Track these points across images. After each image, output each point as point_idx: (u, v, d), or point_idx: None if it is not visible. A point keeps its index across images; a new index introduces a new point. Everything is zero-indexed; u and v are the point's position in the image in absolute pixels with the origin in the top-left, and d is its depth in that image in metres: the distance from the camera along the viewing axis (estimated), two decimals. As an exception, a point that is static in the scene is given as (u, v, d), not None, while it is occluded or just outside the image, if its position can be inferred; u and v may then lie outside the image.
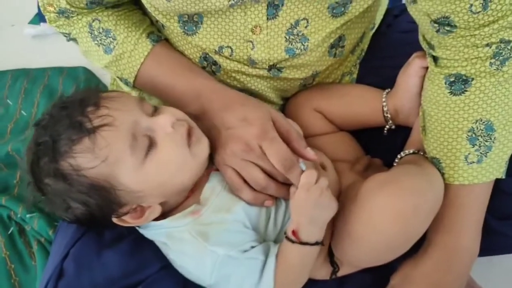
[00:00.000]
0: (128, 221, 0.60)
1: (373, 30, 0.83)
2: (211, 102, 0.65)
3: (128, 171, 0.58)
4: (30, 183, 0.60)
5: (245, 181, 0.62)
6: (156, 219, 0.62)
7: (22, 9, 1.41)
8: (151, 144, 0.59)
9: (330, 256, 0.67)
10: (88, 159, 0.56)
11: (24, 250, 0.94)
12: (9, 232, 0.95)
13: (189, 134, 0.61)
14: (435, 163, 0.65)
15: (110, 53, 0.70)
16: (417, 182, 0.59)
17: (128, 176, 0.58)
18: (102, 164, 0.56)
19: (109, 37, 0.70)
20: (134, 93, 0.75)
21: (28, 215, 0.94)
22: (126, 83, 0.74)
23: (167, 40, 0.73)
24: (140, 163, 0.58)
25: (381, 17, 0.85)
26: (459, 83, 0.62)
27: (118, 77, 0.74)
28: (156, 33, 0.72)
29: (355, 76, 0.83)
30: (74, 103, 0.58)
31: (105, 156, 0.56)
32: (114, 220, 0.60)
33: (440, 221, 0.63)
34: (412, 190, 0.57)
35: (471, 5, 0.58)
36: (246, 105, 0.64)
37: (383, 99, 0.73)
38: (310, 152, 0.62)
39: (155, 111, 0.62)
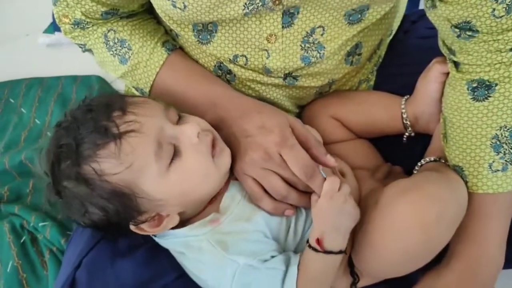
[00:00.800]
0: (146, 229, 0.59)
1: (391, 37, 0.82)
2: (228, 110, 0.65)
3: (151, 179, 0.57)
4: (49, 184, 0.59)
5: (265, 191, 0.61)
6: (174, 228, 0.61)
7: (37, 19, 1.42)
8: (176, 153, 0.58)
9: (350, 267, 0.65)
10: (112, 164, 0.55)
11: (36, 260, 0.94)
12: (21, 241, 0.95)
13: (213, 145, 0.60)
14: (457, 171, 0.64)
15: (126, 63, 0.70)
16: (440, 189, 0.57)
17: (150, 184, 0.57)
18: (126, 170, 0.55)
19: (124, 47, 0.69)
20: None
21: (40, 224, 0.94)
22: (142, 93, 0.73)
23: (182, 48, 0.73)
24: (164, 172, 0.57)
25: (399, 23, 0.84)
26: (482, 89, 0.61)
27: (133, 87, 0.74)
28: (171, 42, 0.72)
29: (372, 83, 0.81)
30: (99, 107, 0.58)
31: (130, 163, 0.55)
32: (132, 227, 0.59)
33: (464, 231, 0.62)
34: (435, 197, 0.56)
35: (494, 9, 0.56)
36: (263, 112, 0.63)
37: (402, 106, 0.72)
38: (330, 159, 0.61)
39: (180, 119, 0.62)
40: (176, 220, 0.60)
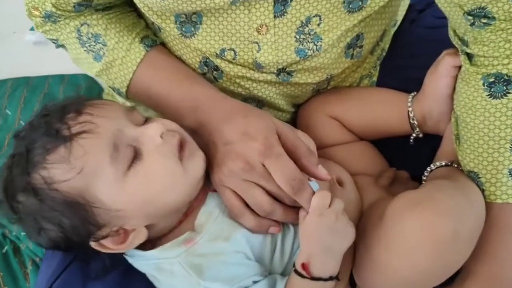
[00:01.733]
0: (109, 246, 0.54)
1: (395, 27, 0.78)
2: (210, 114, 0.60)
3: (107, 185, 0.52)
4: (1, 202, 0.55)
5: (246, 205, 0.56)
6: (146, 248, 0.57)
7: (24, 16, 1.39)
8: (136, 155, 0.54)
9: (352, 286, 0.60)
10: (62, 170, 0.51)
11: (18, 271, 0.92)
12: (3, 251, 0.93)
13: (182, 147, 0.56)
14: (473, 178, 0.59)
15: (100, 60, 0.66)
16: (455, 202, 0.52)
17: (106, 191, 0.52)
18: (78, 176, 0.51)
19: (99, 42, 0.66)
20: (129, 105, 0.71)
21: (23, 233, 0.92)
22: (119, 93, 0.69)
23: (163, 44, 0.69)
24: (121, 177, 0.53)
25: (404, 12, 0.80)
26: (500, 84, 0.56)
27: (110, 87, 0.70)
28: (151, 37, 0.68)
29: (375, 79, 0.77)
30: (55, 111, 0.55)
31: (81, 167, 0.51)
32: (92, 244, 0.54)
33: (481, 247, 0.56)
34: (451, 211, 0.50)
35: None
36: (249, 116, 0.58)
37: (409, 104, 0.67)
38: (322, 171, 0.56)
39: (146, 122, 0.57)
40: (143, 235, 0.55)
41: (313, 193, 0.54)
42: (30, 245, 0.89)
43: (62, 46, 0.70)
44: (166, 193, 0.54)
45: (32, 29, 1.37)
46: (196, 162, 0.56)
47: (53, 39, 0.70)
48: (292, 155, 0.55)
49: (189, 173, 0.55)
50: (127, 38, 0.66)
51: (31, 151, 0.52)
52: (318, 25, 0.61)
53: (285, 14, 0.60)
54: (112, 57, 0.65)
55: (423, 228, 0.49)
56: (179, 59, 0.68)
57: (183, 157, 0.55)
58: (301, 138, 0.59)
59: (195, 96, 0.62)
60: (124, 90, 0.67)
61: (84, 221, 0.52)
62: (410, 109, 0.67)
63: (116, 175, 0.52)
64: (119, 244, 0.55)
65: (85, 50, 0.67)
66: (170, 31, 0.64)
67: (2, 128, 1.14)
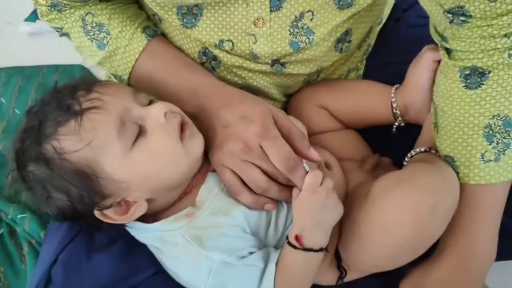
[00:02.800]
0: (112, 216, 0.57)
1: (381, 25, 0.81)
2: (209, 100, 0.63)
3: (113, 158, 0.55)
4: (13, 170, 0.57)
5: (244, 183, 0.59)
6: (147, 222, 0.59)
7: (18, 7, 1.39)
8: (141, 132, 0.56)
9: (337, 260, 0.63)
10: (72, 141, 0.54)
11: (14, 253, 0.92)
12: None
13: (183, 129, 0.58)
14: (449, 161, 0.62)
15: (104, 48, 0.68)
16: (434, 181, 0.55)
17: (112, 163, 0.55)
18: (87, 147, 0.54)
19: (103, 31, 0.67)
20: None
21: (19, 216, 0.92)
22: (121, 80, 0.71)
23: (163, 35, 0.71)
24: (127, 151, 0.55)
25: (389, 11, 0.83)
26: (475, 76, 0.59)
27: (112, 74, 0.72)
28: (152, 28, 0.70)
29: (361, 72, 0.80)
30: (66, 89, 0.57)
31: (90, 140, 0.54)
32: (96, 213, 0.57)
33: (456, 224, 0.60)
34: (430, 188, 0.54)
35: None
36: (246, 102, 0.61)
37: (392, 95, 0.70)
38: (313, 153, 0.59)
39: (150, 103, 0.60)
40: (144, 207, 0.58)
41: (306, 172, 0.56)
42: (26, 227, 0.89)
43: (66, 34, 0.71)
44: (166, 169, 0.57)
45: (26, 20, 1.35)
46: (196, 143, 0.59)
47: (58, 28, 0.71)
48: (286, 138, 0.58)
49: (189, 152, 0.58)
50: (129, 27, 0.67)
51: (43, 124, 0.55)
52: (311, 20, 0.63)
53: (281, 8, 0.62)
54: (116, 45, 0.67)
55: (405, 204, 0.53)
56: (179, 49, 0.70)
57: (183, 137, 0.58)
58: (294, 123, 0.61)
59: (194, 84, 0.64)
60: (126, 77, 0.69)
61: (90, 190, 0.55)
62: (393, 99, 0.70)
63: (122, 149, 0.55)
64: (121, 215, 0.57)
65: (89, 39, 0.68)
66: (172, 22, 0.66)
67: (-4, 116, 1.13)
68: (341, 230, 0.62)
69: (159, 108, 0.57)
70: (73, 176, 0.54)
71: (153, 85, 0.67)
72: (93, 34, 0.68)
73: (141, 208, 0.58)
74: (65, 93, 0.56)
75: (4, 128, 1.12)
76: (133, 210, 0.57)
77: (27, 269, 0.88)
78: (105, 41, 0.67)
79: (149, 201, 0.58)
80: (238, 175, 0.59)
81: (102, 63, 0.70)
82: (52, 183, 0.55)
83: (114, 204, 0.57)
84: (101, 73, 1.22)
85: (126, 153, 0.55)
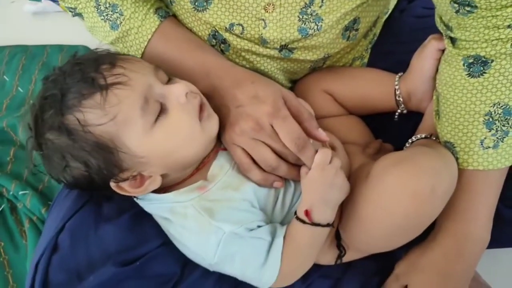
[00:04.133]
0: (126, 189, 0.58)
1: (387, 15, 0.82)
2: (221, 80, 0.64)
3: (135, 134, 0.56)
4: (30, 138, 0.58)
5: (254, 161, 0.60)
6: (159, 193, 0.60)
7: None
8: (162, 110, 0.57)
9: (337, 240, 0.65)
10: (97, 115, 0.54)
11: (15, 229, 0.92)
12: (0, 209, 0.93)
13: (201, 109, 0.60)
14: (449, 147, 0.64)
15: (117, 29, 0.68)
16: (433, 162, 0.57)
17: (134, 139, 0.56)
18: (111, 122, 0.55)
19: (116, 12, 0.68)
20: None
21: (20, 192, 0.93)
22: None
23: (175, 16, 0.72)
24: (149, 128, 0.56)
25: (395, 2, 0.84)
26: (478, 65, 0.61)
27: (124, 54, 0.72)
28: (164, 9, 0.70)
29: (366, 60, 0.81)
30: (88, 61, 0.57)
31: (115, 115, 0.55)
32: (112, 185, 0.58)
33: (452, 208, 0.62)
34: (429, 169, 0.55)
35: None
36: (257, 83, 0.62)
37: (396, 83, 0.72)
38: (322, 133, 0.60)
39: (169, 81, 0.61)
40: (158, 182, 0.59)
41: (315, 151, 0.58)
42: (28, 204, 0.91)
43: (79, 15, 0.71)
44: (184, 147, 0.58)
45: (31, -1, 1.36)
46: (212, 123, 0.60)
47: (71, 8, 0.71)
48: (295, 118, 0.60)
49: (206, 132, 0.59)
50: (142, 8, 0.68)
51: (66, 95, 0.55)
52: (320, 7, 0.64)
53: None
54: (129, 26, 0.67)
55: (405, 183, 0.54)
56: (190, 31, 0.71)
57: (202, 117, 0.59)
58: (303, 104, 0.63)
59: (206, 64, 0.65)
60: (138, 57, 0.69)
61: (109, 163, 0.56)
62: (397, 87, 0.71)
63: (144, 126, 0.56)
64: (136, 188, 0.58)
65: (102, 19, 0.68)
66: (184, 5, 0.67)
67: (-1, 93, 1.13)
68: (342, 210, 0.63)
69: (181, 88, 0.58)
70: (94, 148, 0.55)
71: (165, 65, 0.67)
72: (107, 15, 0.68)
73: (156, 183, 0.59)
74: (88, 65, 0.56)
75: (8, 106, 1.12)
76: (148, 184, 0.58)
77: (28, 244, 0.89)
78: (118, 22, 0.68)
79: (163, 176, 0.60)
80: (249, 153, 0.60)
81: (114, 43, 0.70)
82: (72, 153, 0.56)
83: (130, 177, 0.58)
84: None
85: (148, 130, 0.56)
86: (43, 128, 0.56)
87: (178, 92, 0.58)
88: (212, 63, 0.66)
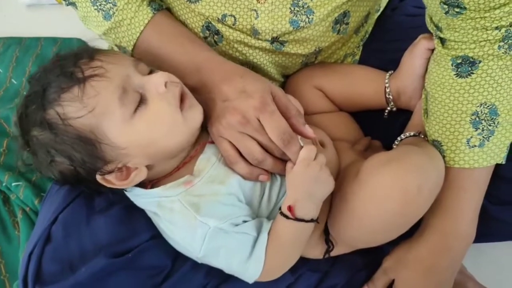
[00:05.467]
0: (113, 181, 0.59)
1: (378, 13, 0.82)
2: (211, 74, 0.64)
3: (115, 125, 0.56)
4: (18, 136, 0.59)
5: (240, 154, 0.61)
6: (147, 188, 0.61)
7: None
8: (142, 100, 0.58)
9: (326, 234, 0.66)
10: (75, 108, 0.55)
11: (7, 219, 0.92)
12: None
13: (182, 99, 0.60)
14: (436, 146, 0.65)
15: (110, 19, 0.68)
16: (421, 161, 0.58)
17: (114, 130, 0.57)
18: (89, 114, 0.55)
19: (109, 2, 0.68)
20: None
21: (13, 184, 0.92)
22: (125, 52, 0.72)
23: (168, 10, 0.72)
24: (128, 118, 0.57)
25: (387, 0, 0.84)
26: (466, 65, 0.62)
27: (116, 45, 0.73)
28: (158, 2, 0.70)
29: (357, 57, 0.82)
30: (68, 57, 0.58)
31: (93, 106, 0.55)
32: (98, 178, 0.58)
33: (439, 205, 0.63)
34: (417, 168, 0.56)
35: None
36: (246, 77, 0.62)
37: (386, 80, 0.72)
38: (308, 130, 0.61)
39: (150, 72, 0.61)
40: (144, 173, 0.60)
41: (301, 147, 0.58)
42: (21, 195, 0.90)
43: (72, 4, 0.71)
44: (166, 136, 0.59)
45: (25, -9, 1.35)
46: (195, 113, 0.60)
47: None
48: (283, 115, 0.60)
49: (188, 122, 0.60)
50: (136, 0, 0.68)
51: (47, 90, 0.56)
52: (311, 0, 0.65)
53: None
54: (121, 17, 0.67)
55: (393, 181, 0.56)
56: (183, 23, 0.71)
57: (183, 107, 0.59)
58: (292, 101, 0.63)
59: (198, 58, 0.66)
60: (130, 48, 0.69)
61: (93, 155, 0.56)
62: (387, 85, 0.72)
63: (124, 116, 0.56)
64: (122, 180, 0.59)
65: (95, 9, 0.68)
66: None
67: (-8, 85, 1.13)
68: (331, 206, 0.64)
69: (159, 77, 0.58)
70: (75, 141, 0.56)
71: (156, 58, 0.68)
72: (100, 5, 0.68)
73: (141, 174, 0.60)
74: (67, 61, 0.57)
75: (1, 97, 1.11)
76: (133, 176, 0.59)
77: (20, 235, 0.89)
78: (111, 12, 0.68)
79: (149, 167, 0.60)
80: (235, 146, 0.60)
81: (106, 34, 0.70)
82: (55, 147, 0.56)
83: (116, 169, 0.58)
84: (97, 45, 1.22)
85: (128, 120, 0.57)
86: (28, 125, 0.57)
87: (157, 81, 0.58)
88: (203, 58, 0.66)
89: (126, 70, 0.58)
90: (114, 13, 0.68)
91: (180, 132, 0.60)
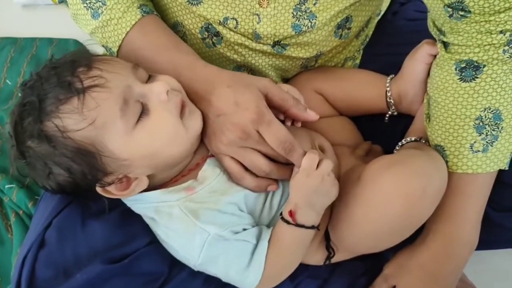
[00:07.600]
0: (113, 192, 0.57)
1: (379, 17, 0.82)
2: (193, 83, 0.62)
3: (116, 137, 0.55)
4: (13, 146, 0.57)
5: (245, 168, 0.60)
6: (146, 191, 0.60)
7: None
8: (144, 111, 0.57)
9: (326, 241, 0.65)
10: (75, 120, 0.53)
11: (0, 222, 0.91)
12: None
13: (182, 106, 0.59)
14: (439, 150, 0.64)
15: (98, 18, 0.66)
16: (424, 165, 0.57)
17: (115, 142, 0.55)
18: (90, 126, 0.53)
19: (99, 1, 0.66)
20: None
21: (7, 186, 0.92)
22: (111, 53, 0.70)
23: (161, 13, 0.71)
24: (130, 129, 0.55)
25: (388, 4, 0.84)
26: (470, 70, 0.61)
27: (103, 46, 0.71)
28: (149, 7, 0.69)
29: (358, 61, 0.82)
30: (64, 64, 0.56)
31: (94, 118, 0.53)
32: (98, 189, 0.57)
33: (441, 210, 0.62)
34: (421, 172, 0.56)
35: None
36: (233, 87, 0.60)
37: (387, 84, 0.72)
38: (311, 113, 0.61)
39: (149, 79, 0.59)
40: (145, 183, 0.58)
41: (304, 153, 0.57)
42: (14, 198, 0.90)
43: (64, 1, 0.71)
44: (168, 146, 0.57)
45: (21, -9, 1.36)
46: (195, 120, 0.59)
47: None
48: (281, 108, 0.59)
49: (189, 130, 0.58)
50: (126, 1, 0.66)
51: (44, 101, 0.54)
52: (314, 4, 0.65)
53: None
54: (109, 16, 0.65)
55: (396, 185, 0.55)
56: (180, 24, 0.70)
57: (183, 115, 0.58)
58: (287, 89, 0.62)
59: (179, 63, 0.63)
60: (115, 49, 0.68)
61: (93, 168, 0.55)
62: (388, 89, 0.71)
63: (125, 128, 0.55)
64: (122, 191, 0.57)
65: (85, 7, 0.67)
66: None
67: (-14, 86, 1.12)
68: (332, 211, 0.63)
69: (161, 86, 0.57)
70: (75, 154, 0.54)
71: (139, 61, 0.65)
72: (90, 3, 0.67)
73: (142, 184, 0.58)
74: (64, 69, 0.55)
75: (-4, 97, 1.11)
76: (134, 186, 0.58)
77: (13, 238, 0.88)
78: (99, 11, 0.66)
79: (149, 177, 0.59)
80: (239, 161, 0.59)
81: (94, 33, 0.69)
82: (53, 160, 0.55)
83: (116, 180, 0.57)
84: (93, 46, 1.21)
85: (129, 132, 0.55)
86: (24, 136, 0.55)
87: (159, 91, 0.57)
88: (184, 63, 0.63)
89: (127, 79, 0.56)
90: (103, 12, 0.66)
91: (182, 140, 0.59)
